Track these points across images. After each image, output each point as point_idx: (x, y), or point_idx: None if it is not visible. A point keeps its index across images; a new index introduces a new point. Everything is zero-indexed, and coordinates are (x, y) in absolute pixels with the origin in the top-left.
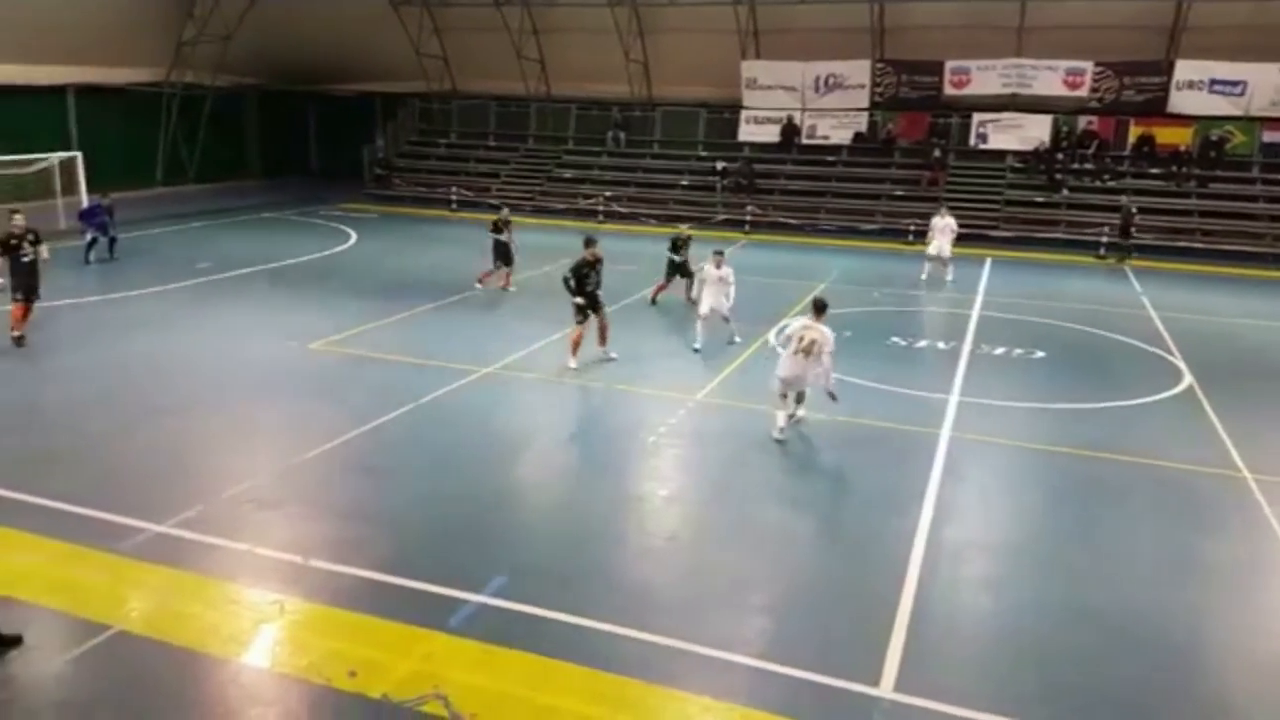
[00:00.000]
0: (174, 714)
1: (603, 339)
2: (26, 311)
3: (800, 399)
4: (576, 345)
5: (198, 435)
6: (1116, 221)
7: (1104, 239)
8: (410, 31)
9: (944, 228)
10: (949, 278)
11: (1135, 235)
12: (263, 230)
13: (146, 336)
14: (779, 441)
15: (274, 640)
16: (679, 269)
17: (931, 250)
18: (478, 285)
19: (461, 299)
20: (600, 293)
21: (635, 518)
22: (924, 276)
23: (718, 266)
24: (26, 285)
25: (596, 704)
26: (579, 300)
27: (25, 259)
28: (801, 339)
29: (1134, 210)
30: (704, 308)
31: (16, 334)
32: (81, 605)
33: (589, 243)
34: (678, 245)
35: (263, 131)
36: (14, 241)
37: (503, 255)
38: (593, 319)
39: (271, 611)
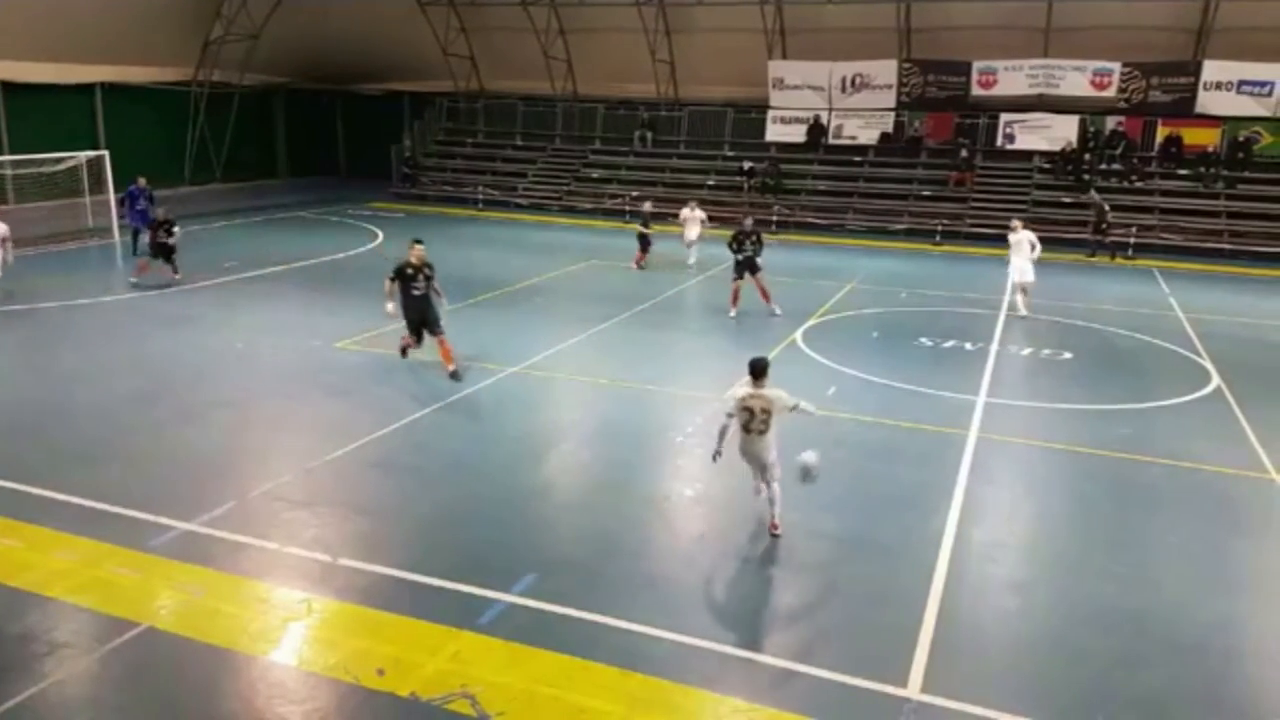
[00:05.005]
0: (203, 711)
1: (766, 298)
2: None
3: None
4: (735, 297)
5: (226, 434)
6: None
7: (1132, 240)
8: (437, 31)
9: (692, 219)
10: (692, 261)
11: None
12: (289, 229)
13: (174, 335)
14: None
15: (302, 638)
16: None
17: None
18: (132, 280)
19: (488, 299)
20: (759, 259)
21: (663, 517)
22: (691, 263)
23: None
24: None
25: (624, 704)
26: (736, 259)
27: (416, 292)
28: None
29: (1106, 207)
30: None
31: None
32: (112, 603)
33: (745, 219)
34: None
35: (290, 131)
36: (410, 271)
37: (160, 251)
38: (751, 281)
39: (300, 610)
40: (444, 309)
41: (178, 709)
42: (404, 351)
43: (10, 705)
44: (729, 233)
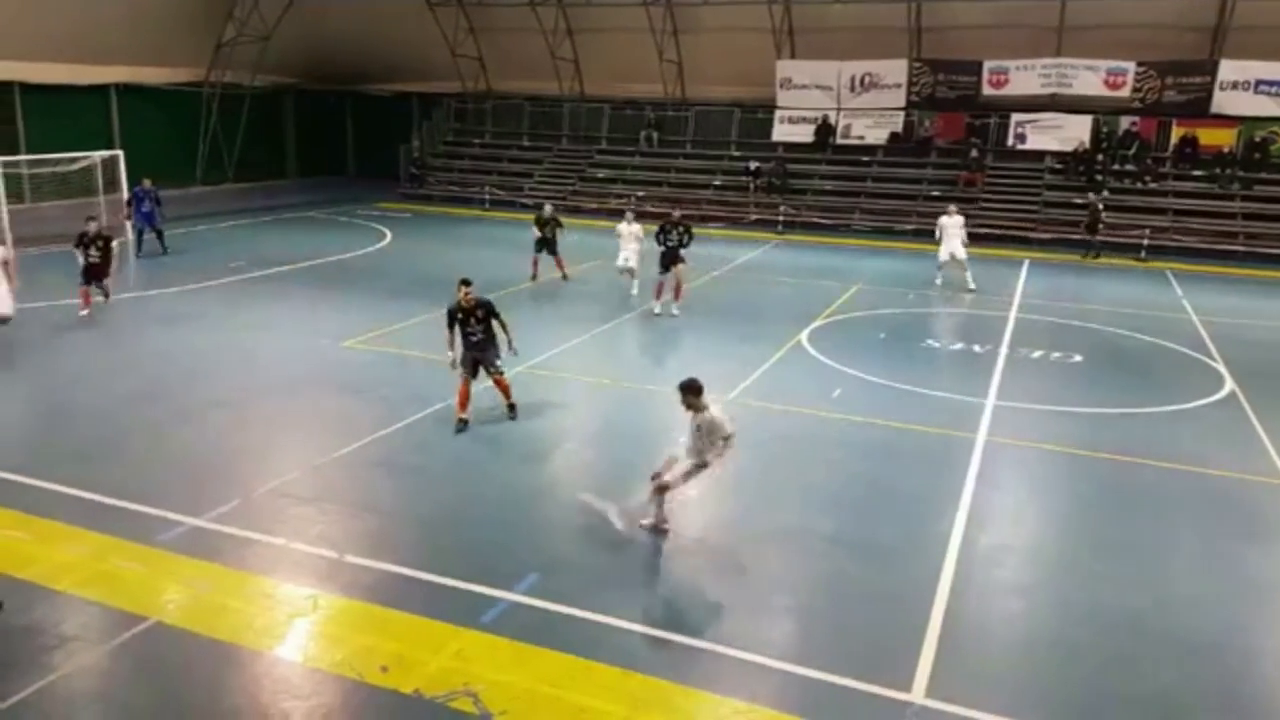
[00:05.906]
0: (209, 705)
1: (676, 294)
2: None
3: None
4: (658, 291)
5: (234, 430)
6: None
7: (1145, 241)
8: (446, 31)
9: (630, 236)
10: (634, 291)
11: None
12: (299, 229)
13: (184, 333)
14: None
15: (307, 634)
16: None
17: (619, 262)
18: (81, 313)
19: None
20: (683, 251)
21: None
22: (633, 293)
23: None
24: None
25: (626, 704)
26: (661, 250)
27: (473, 338)
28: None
29: (1100, 207)
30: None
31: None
32: (120, 597)
33: (674, 210)
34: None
35: (300, 131)
36: (460, 315)
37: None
38: (672, 273)
39: (305, 606)
40: (507, 353)
41: (184, 703)
42: (464, 416)
43: (19, 698)
44: (718, 231)
